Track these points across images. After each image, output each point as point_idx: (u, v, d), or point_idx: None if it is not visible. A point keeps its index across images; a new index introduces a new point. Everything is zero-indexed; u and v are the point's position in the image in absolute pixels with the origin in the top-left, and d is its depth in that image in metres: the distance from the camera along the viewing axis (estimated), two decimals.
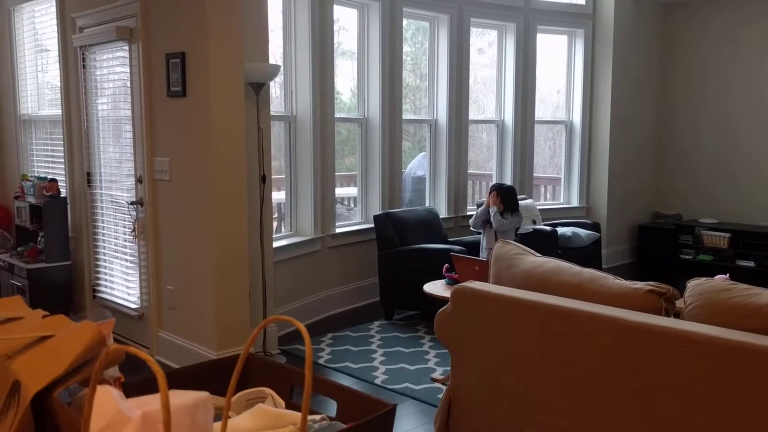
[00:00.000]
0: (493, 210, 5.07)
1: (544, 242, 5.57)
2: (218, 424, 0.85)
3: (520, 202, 5.38)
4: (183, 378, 1.23)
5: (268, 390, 1.13)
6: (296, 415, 0.98)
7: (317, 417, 1.05)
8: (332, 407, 1.18)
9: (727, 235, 7.06)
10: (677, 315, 2.42)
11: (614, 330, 2.29)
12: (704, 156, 7.61)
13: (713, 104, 7.50)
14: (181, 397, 0.74)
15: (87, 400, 0.60)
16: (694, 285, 2.43)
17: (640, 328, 2.23)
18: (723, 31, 7.37)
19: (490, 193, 5.18)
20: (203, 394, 0.77)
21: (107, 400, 0.70)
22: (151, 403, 0.72)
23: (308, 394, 0.64)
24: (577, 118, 7.42)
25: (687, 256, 7.32)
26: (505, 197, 5.11)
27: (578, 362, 2.38)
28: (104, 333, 0.91)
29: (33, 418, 0.81)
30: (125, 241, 4.70)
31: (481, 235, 5.33)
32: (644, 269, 7.48)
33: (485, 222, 5.20)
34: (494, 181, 7.08)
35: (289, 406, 1.15)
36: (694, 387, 2.11)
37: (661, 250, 7.50)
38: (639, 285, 2.48)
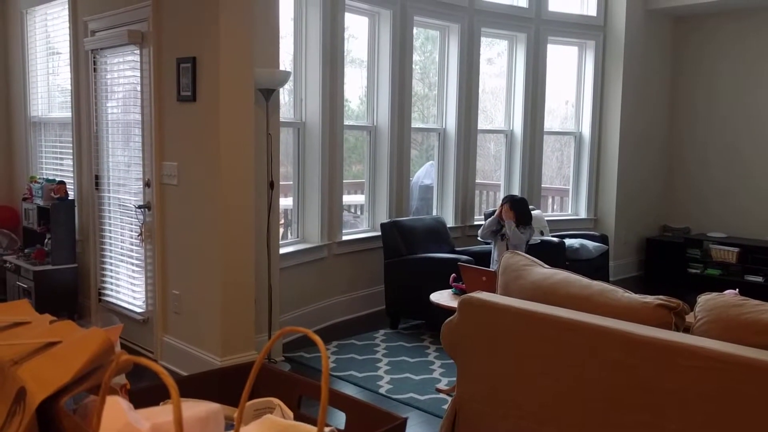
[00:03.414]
0: (510, 225, 4.99)
1: (552, 253, 5.54)
2: None
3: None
4: (188, 386, 1.22)
5: (276, 400, 1.11)
6: (305, 427, 0.96)
7: (326, 429, 1.03)
8: (341, 419, 1.16)
9: (736, 249, 7.01)
10: (687, 330, 2.40)
11: (623, 344, 2.26)
12: (713, 170, 7.58)
13: (723, 117, 7.47)
14: (192, 409, 0.72)
15: (96, 411, 0.59)
16: (705, 300, 2.40)
17: (650, 342, 2.20)
18: (733, 44, 7.35)
19: (502, 205, 5.13)
20: (215, 406, 0.76)
21: (116, 411, 0.69)
22: (160, 414, 0.70)
23: (324, 407, 0.63)
24: (586, 129, 7.40)
25: (695, 270, 7.27)
26: (519, 210, 5.06)
27: (586, 376, 2.35)
28: (112, 339, 0.90)
29: (38, 426, 0.79)
30: (132, 244, 4.69)
31: (491, 246, 5.29)
32: (652, 282, 7.44)
33: (495, 233, 5.15)
34: (502, 191, 7.06)
35: (297, 417, 1.14)
36: (703, 403, 2.08)
37: (668, 263, 7.45)
38: (649, 299, 2.46)
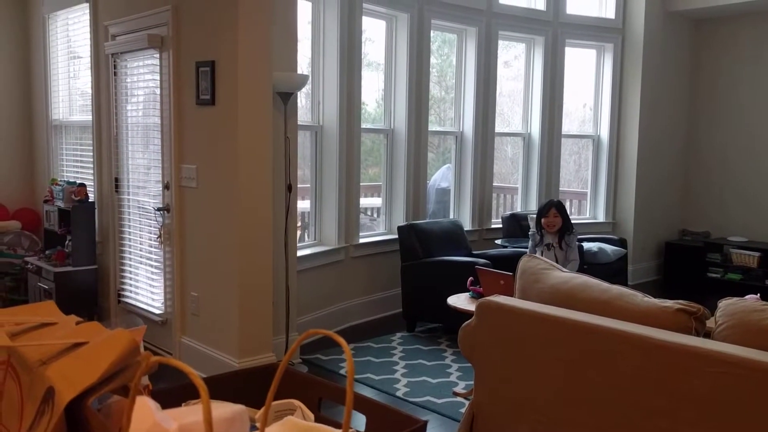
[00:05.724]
0: (572, 239, 4.94)
1: None
2: None
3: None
4: (208, 387, 1.23)
5: (297, 402, 1.12)
6: (326, 429, 0.97)
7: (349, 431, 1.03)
8: (361, 421, 1.17)
9: (757, 254, 6.94)
10: (707, 335, 2.38)
11: (642, 348, 2.25)
12: (733, 173, 7.50)
13: (743, 120, 7.40)
14: (218, 410, 0.73)
15: (126, 411, 0.60)
16: (726, 305, 2.38)
17: (669, 347, 2.19)
18: (753, 47, 7.28)
19: (544, 217, 5.00)
20: (240, 407, 0.77)
21: (144, 411, 0.70)
22: (187, 415, 0.72)
23: (349, 409, 0.63)
24: (604, 132, 7.36)
25: (715, 275, 7.20)
26: (564, 215, 5.00)
27: (604, 380, 2.34)
28: (137, 340, 0.91)
29: (66, 425, 0.81)
30: (151, 246, 4.73)
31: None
32: (671, 287, 7.38)
33: (538, 245, 5.09)
34: (519, 195, 7.03)
35: (317, 419, 1.14)
36: (723, 408, 2.06)
37: (688, 267, 7.39)
38: (668, 303, 2.44)
